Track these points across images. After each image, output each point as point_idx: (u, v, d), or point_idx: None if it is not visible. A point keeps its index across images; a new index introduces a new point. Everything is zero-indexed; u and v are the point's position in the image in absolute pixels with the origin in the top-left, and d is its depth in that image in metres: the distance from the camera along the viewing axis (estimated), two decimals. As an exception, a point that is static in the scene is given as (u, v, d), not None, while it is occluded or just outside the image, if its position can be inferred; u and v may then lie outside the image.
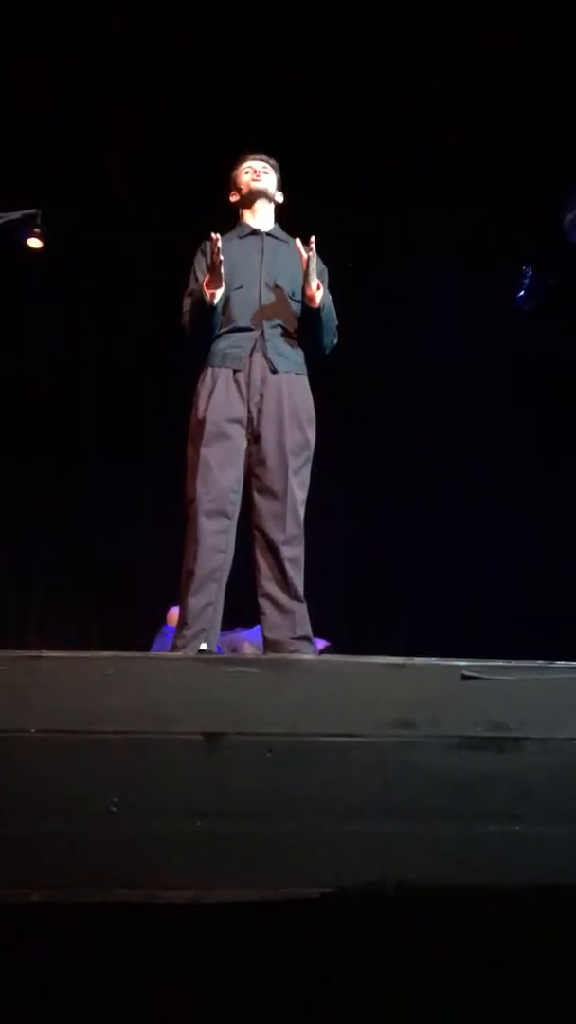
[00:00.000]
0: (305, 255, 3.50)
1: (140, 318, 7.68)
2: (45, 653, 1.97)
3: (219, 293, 3.49)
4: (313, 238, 3.50)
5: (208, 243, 3.56)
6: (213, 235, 3.46)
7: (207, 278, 3.50)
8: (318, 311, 3.56)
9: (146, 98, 6.78)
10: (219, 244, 3.44)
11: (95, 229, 7.47)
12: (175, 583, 3.42)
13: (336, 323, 3.75)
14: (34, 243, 7.64)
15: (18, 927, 1.87)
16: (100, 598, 8.22)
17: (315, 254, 3.53)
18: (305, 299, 3.56)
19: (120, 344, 8.05)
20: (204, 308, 3.51)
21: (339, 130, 6.73)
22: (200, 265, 3.68)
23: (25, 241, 7.60)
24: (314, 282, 3.53)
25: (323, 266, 3.76)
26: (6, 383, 7.90)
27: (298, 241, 3.54)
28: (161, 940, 1.89)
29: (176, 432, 3.78)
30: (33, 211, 7.46)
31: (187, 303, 3.68)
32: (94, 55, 6.46)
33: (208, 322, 3.55)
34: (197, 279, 3.66)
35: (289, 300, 3.61)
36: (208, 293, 3.48)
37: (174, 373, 4.23)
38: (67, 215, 7.17)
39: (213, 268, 3.47)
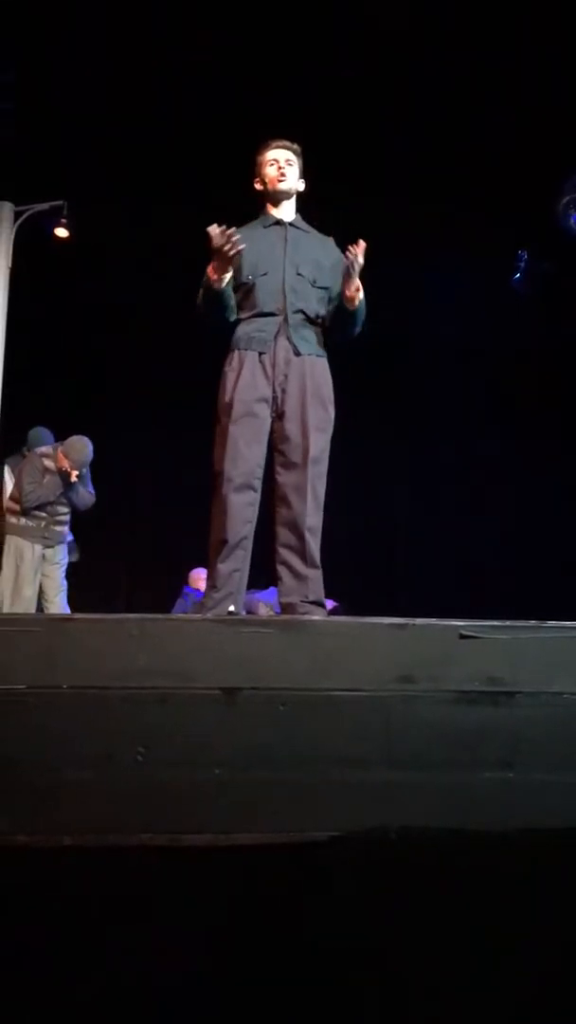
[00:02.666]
0: (351, 259, 3.57)
1: (167, 301, 7.80)
2: (75, 616, 2.13)
3: (226, 277, 3.62)
4: (362, 242, 3.58)
5: (217, 230, 3.66)
6: (219, 226, 3.52)
7: (213, 263, 3.61)
8: (354, 312, 3.71)
9: (169, 87, 6.90)
10: (228, 231, 3.50)
11: (121, 220, 7.59)
12: (195, 548, 3.55)
13: (364, 315, 3.85)
14: (61, 233, 7.83)
15: (51, 869, 2.04)
16: (127, 563, 8.47)
17: (361, 258, 3.57)
18: (344, 299, 3.67)
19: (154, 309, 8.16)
20: (212, 292, 3.65)
21: (336, 116, 6.83)
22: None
23: (52, 231, 7.79)
24: (354, 284, 3.65)
25: None
26: (40, 352, 8.10)
27: (350, 250, 3.58)
28: (183, 880, 2.05)
29: (192, 408, 3.89)
30: (60, 202, 7.66)
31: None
32: (123, 48, 6.58)
33: (218, 304, 3.68)
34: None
35: (311, 287, 3.74)
36: (215, 278, 3.62)
37: (199, 356, 4.38)
38: (94, 206, 7.34)
39: (220, 254, 3.56)
